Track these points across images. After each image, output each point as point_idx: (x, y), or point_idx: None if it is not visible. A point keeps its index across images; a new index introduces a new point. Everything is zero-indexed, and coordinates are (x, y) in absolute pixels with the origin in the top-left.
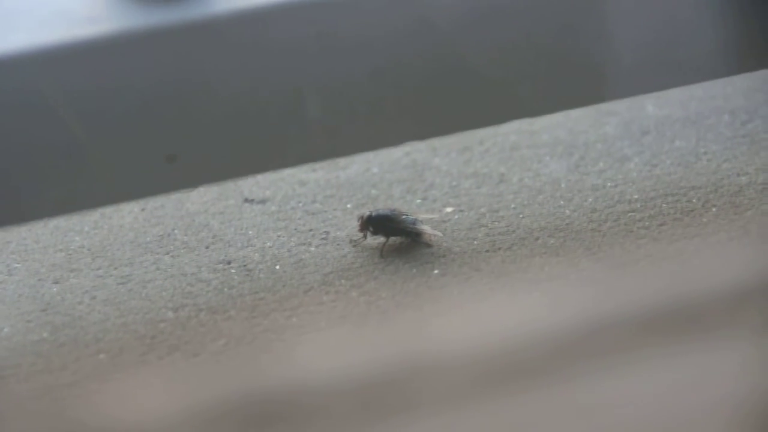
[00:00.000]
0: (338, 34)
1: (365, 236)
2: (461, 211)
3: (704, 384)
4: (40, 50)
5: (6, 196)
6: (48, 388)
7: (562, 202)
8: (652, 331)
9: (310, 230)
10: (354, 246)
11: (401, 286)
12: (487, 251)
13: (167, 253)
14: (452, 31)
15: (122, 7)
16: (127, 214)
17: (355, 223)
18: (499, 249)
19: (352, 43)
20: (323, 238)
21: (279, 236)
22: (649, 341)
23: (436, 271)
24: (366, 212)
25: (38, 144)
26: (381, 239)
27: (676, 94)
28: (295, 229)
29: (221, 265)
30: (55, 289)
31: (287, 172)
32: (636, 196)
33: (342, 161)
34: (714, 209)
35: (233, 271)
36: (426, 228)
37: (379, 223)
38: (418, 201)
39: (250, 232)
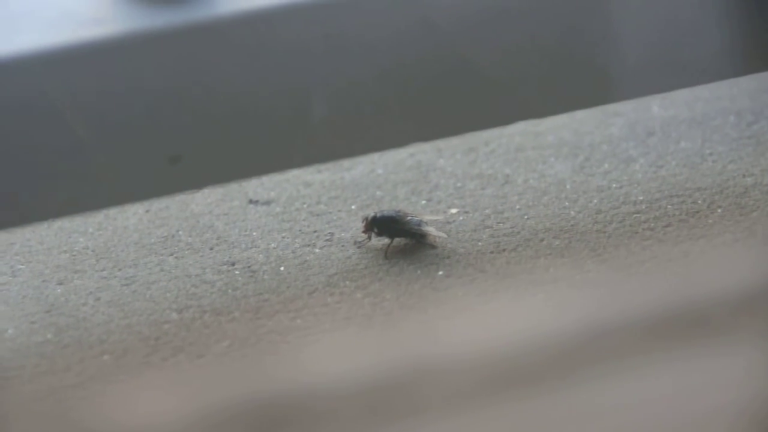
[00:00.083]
0: (344, 36)
1: (370, 237)
2: (466, 212)
3: (710, 388)
4: (45, 52)
5: (10, 197)
6: (52, 390)
7: (567, 204)
8: (657, 333)
9: (315, 231)
10: (358, 247)
11: (406, 287)
12: (492, 252)
13: (171, 255)
14: (458, 32)
15: (128, 9)
16: (131, 216)
17: (360, 225)
18: (504, 250)
19: (357, 44)
20: (328, 240)
21: (283, 237)
22: (655, 344)
23: (440, 273)
24: (371, 213)
25: (42, 145)
26: (385, 240)
27: (681, 95)
28: (300, 230)
29: (225, 266)
30: (59, 291)
31: (292, 174)
32: (641, 198)
33: (347, 162)
34: (719, 210)
35: (237, 272)
36: (431, 229)
37: (383, 225)
38: (423, 202)
39: (255, 234)
